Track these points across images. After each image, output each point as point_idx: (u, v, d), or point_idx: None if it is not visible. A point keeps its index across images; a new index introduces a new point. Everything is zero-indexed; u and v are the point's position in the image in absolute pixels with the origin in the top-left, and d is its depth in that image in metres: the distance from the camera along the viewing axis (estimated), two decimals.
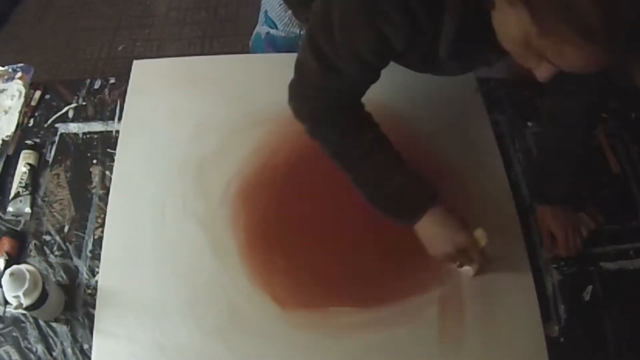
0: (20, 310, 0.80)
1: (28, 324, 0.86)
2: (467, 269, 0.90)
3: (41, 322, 0.86)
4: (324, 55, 0.72)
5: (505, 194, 1.00)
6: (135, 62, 1.17)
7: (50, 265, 0.92)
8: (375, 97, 0.82)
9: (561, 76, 0.59)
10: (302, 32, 1.13)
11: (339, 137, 0.82)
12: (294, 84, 0.81)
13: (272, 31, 1.17)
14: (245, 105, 1.09)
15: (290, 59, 0.79)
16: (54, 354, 0.84)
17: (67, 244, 0.95)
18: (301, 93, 0.81)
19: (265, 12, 1.16)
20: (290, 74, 0.80)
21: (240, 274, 0.90)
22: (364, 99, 0.83)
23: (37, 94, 1.14)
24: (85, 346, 0.84)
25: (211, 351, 0.84)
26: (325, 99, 0.79)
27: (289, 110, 0.83)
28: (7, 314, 0.87)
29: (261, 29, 1.20)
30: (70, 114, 1.12)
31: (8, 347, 0.84)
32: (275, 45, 1.19)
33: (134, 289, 0.89)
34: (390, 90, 1.06)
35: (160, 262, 0.91)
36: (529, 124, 1.12)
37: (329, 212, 0.98)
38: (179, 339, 0.84)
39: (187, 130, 1.06)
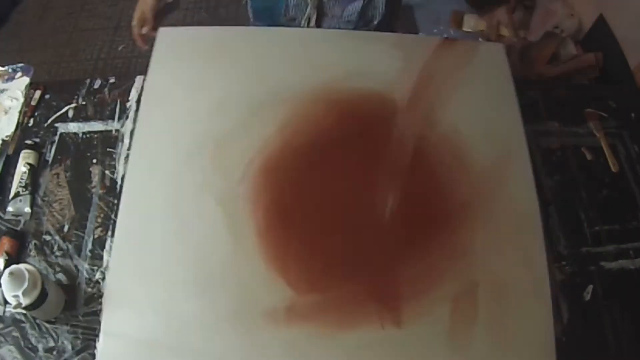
0: (20, 310, 0.79)
1: (28, 323, 0.86)
2: None
3: (41, 322, 0.86)
4: None
5: (528, 192, 0.96)
6: (161, 29, 1.12)
7: (50, 265, 0.92)
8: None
9: None
10: None
11: None
12: None
13: None
14: (271, 82, 1.05)
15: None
16: (54, 353, 0.84)
17: (67, 243, 0.95)
18: None
19: None
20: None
21: (256, 257, 0.87)
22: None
23: (37, 94, 1.14)
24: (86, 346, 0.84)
25: (222, 336, 0.82)
26: None
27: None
28: (7, 314, 0.87)
29: None
30: (70, 114, 1.12)
31: (8, 347, 0.84)
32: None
33: (146, 270, 0.86)
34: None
35: (174, 241, 0.89)
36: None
37: (351, 197, 0.95)
38: (190, 322, 0.83)
39: (209, 103, 1.02)
